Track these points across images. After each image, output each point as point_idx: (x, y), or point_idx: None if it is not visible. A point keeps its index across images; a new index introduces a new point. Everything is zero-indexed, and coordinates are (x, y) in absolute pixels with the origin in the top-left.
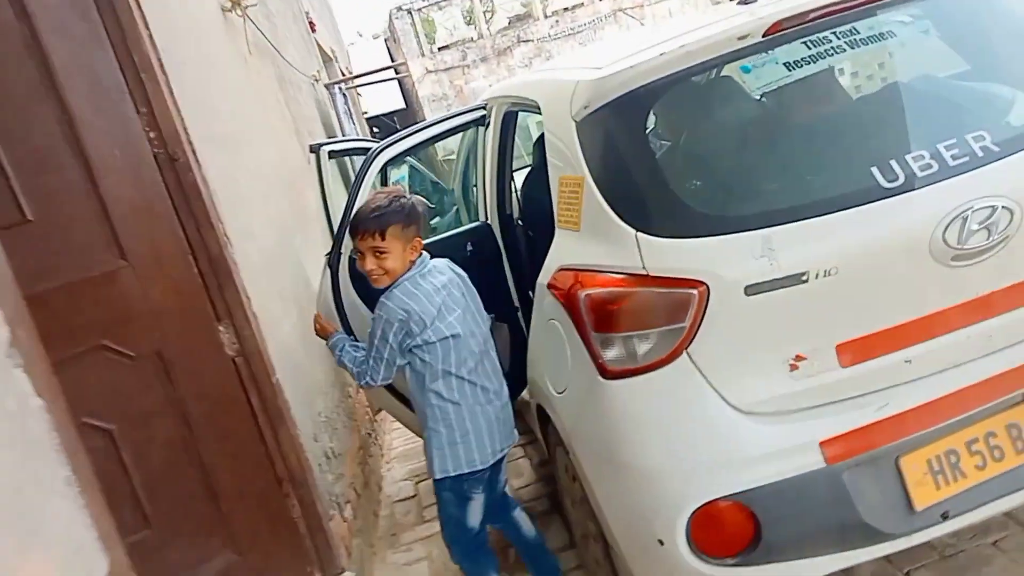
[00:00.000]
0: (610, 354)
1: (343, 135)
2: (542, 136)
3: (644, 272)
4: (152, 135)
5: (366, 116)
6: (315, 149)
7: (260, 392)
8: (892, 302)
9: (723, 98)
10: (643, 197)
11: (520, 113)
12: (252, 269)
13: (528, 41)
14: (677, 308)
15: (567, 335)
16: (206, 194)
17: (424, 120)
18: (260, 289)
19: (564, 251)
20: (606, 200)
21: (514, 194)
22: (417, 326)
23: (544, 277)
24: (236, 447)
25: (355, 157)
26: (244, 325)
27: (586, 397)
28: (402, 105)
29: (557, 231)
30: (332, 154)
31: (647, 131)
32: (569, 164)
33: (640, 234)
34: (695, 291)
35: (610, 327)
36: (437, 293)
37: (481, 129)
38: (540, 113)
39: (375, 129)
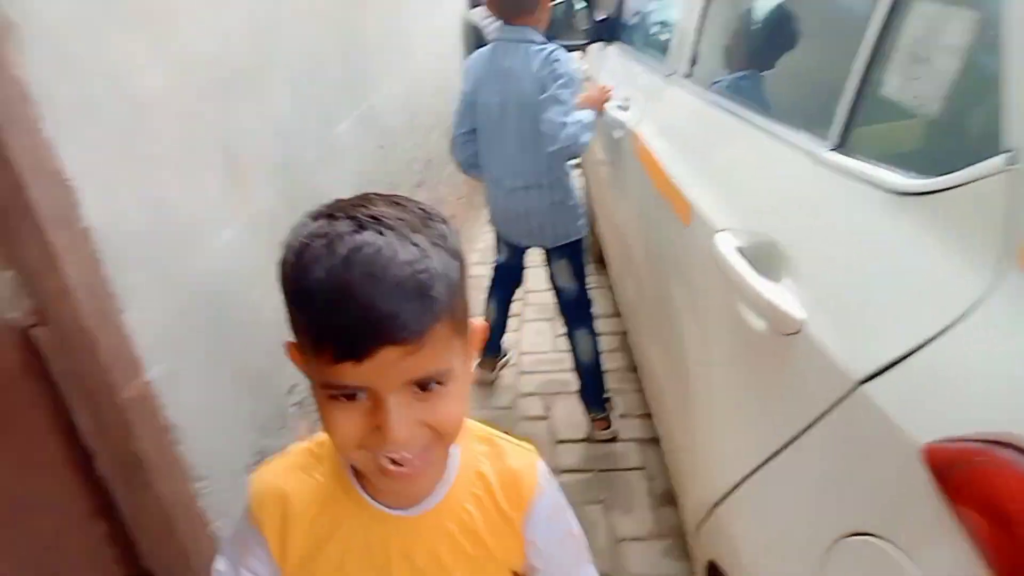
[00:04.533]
0: None
1: None
2: None
3: None
4: None
5: None
6: None
7: (96, 408)
8: None
9: None
10: None
11: None
12: (110, 105)
13: None
14: None
15: None
16: None
17: None
18: (134, 151)
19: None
20: None
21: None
22: None
23: (916, 425)
24: (45, 534)
25: None
26: (44, 262)
27: None
28: None
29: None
30: None
31: None
32: None
33: None
34: None
35: None
36: None
37: None
38: None
39: None
